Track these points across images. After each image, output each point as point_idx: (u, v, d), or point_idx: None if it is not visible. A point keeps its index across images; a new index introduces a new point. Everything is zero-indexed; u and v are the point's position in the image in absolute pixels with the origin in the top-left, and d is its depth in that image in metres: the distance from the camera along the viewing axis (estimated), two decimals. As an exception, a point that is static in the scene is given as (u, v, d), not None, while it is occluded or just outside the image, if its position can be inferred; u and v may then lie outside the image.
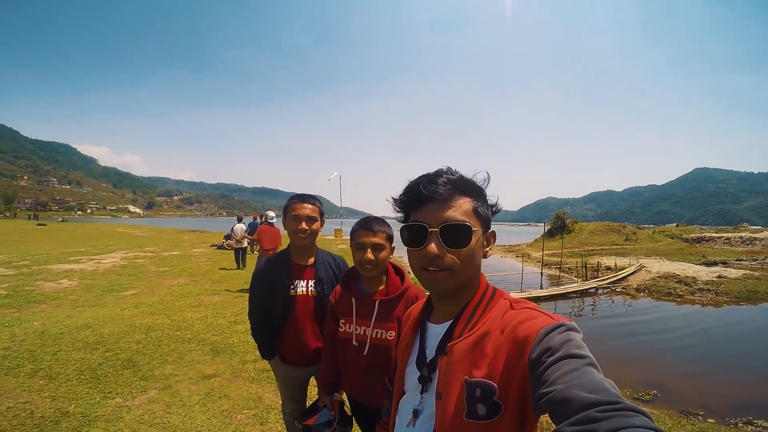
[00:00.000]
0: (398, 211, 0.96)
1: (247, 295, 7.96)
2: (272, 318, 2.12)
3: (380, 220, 1.78)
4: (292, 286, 2.08)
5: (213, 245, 19.66)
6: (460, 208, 0.85)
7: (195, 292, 8.17)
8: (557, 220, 35.78)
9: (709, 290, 14.90)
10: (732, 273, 17.39)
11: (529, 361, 0.71)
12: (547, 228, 33.93)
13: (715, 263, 22.84)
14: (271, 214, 8.45)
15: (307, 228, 2.02)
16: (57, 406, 3.22)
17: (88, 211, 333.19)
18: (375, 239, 1.71)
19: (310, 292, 2.09)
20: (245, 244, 12.12)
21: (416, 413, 0.92)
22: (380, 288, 1.81)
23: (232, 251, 17.10)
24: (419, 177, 0.91)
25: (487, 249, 0.93)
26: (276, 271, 2.11)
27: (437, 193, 0.85)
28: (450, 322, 0.90)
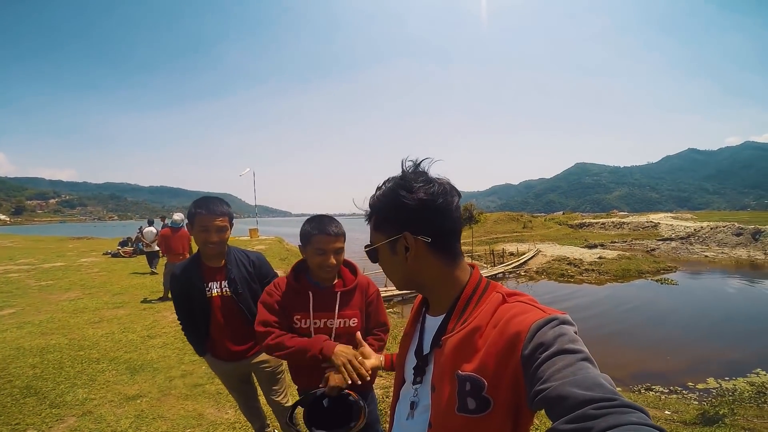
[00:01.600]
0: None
1: (155, 305, 7.29)
2: (196, 319, 2.23)
3: (336, 222, 1.78)
4: (207, 288, 2.17)
5: (106, 253, 17.45)
6: (371, 231, 0.98)
7: (92, 307, 7.21)
8: (465, 211, 38.24)
9: (593, 270, 17.18)
10: (609, 254, 20.22)
11: (522, 357, 0.70)
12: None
13: (595, 246, 26.37)
14: (178, 216, 7.69)
15: (217, 239, 2.05)
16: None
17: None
18: (336, 244, 1.73)
19: (224, 293, 2.18)
20: (155, 247, 11.08)
21: (413, 405, 0.93)
22: (336, 281, 1.84)
23: (129, 258, 15.44)
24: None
25: (408, 249, 0.89)
26: (189, 276, 2.19)
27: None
28: (444, 315, 0.91)
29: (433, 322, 0.94)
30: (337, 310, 1.77)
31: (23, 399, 3.44)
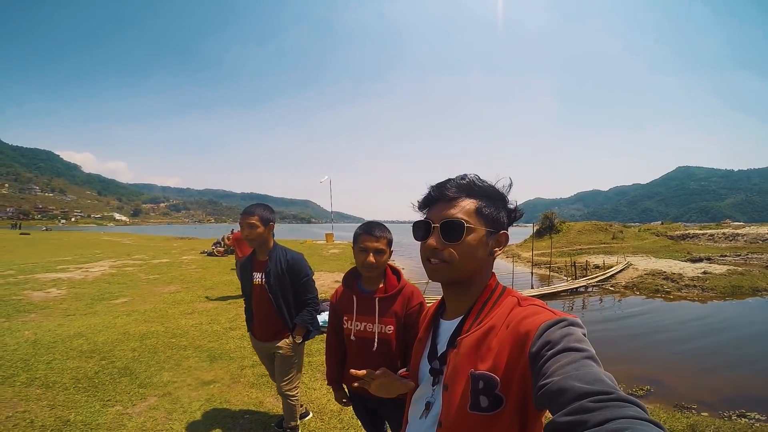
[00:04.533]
0: (418, 212, 1.06)
1: (239, 300, 7.95)
2: (248, 301, 2.78)
3: (382, 226, 1.90)
4: (253, 277, 2.68)
5: (203, 252, 19.47)
6: (462, 208, 0.94)
7: (188, 299, 8.10)
8: (545, 220, 36.14)
9: (695, 286, 15.18)
10: (716, 269, 17.73)
11: (529, 355, 0.73)
12: (535, 228, 34.27)
13: (700, 259, 23.29)
14: None
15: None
16: (57, 415, 3.19)
17: (72, 219, 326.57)
18: (377, 244, 1.84)
19: (262, 282, 2.62)
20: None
21: (428, 405, 0.96)
22: (380, 286, 1.93)
23: (221, 257, 16.99)
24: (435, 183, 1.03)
25: (496, 249, 0.96)
26: (246, 265, 2.76)
27: (443, 195, 0.96)
28: (461, 317, 0.95)
29: (448, 326, 0.99)
30: (377, 316, 1.86)
31: (119, 378, 3.97)
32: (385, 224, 1.93)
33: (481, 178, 0.98)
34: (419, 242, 0.99)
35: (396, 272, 1.98)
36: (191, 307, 7.37)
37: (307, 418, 3.26)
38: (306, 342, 2.83)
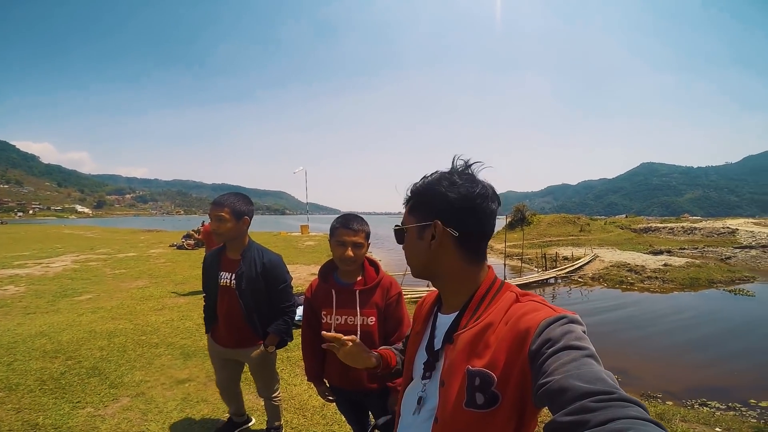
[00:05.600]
0: None
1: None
2: (210, 300, 2.48)
3: (360, 219, 1.89)
4: (220, 277, 2.39)
5: (172, 245, 18.86)
6: (406, 213, 1.02)
7: (157, 295, 7.85)
8: (517, 212, 36.98)
9: (657, 278, 15.94)
10: (676, 261, 18.65)
11: (529, 353, 0.72)
12: (507, 220, 35.03)
13: (661, 252, 24.42)
14: None
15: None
16: (24, 419, 3.03)
17: (30, 212, 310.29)
18: (355, 238, 1.83)
19: (231, 284, 2.35)
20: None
21: (420, 400, 0.95)
22: (358, 279, 1.93)
23: (192, 251, 16.52)
24: None
25: (433, 237, 0.92)
26: (212, 262, 2.47)
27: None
28: (457, 312, 0.94)
29: (445, 320, 0.98)
30: (358, 308, 1.86)
31: (88, 379, 3.80)
32: (362, 216, 1.91)
33: (427, 176, 0.99)
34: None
35: (374, 264, 1.99)
36: (161, 302, 7.14)
37: (249, 424, 3.00)
38: (284, 346, 2.66)
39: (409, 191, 1.01)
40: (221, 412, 3.26)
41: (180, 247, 17.63)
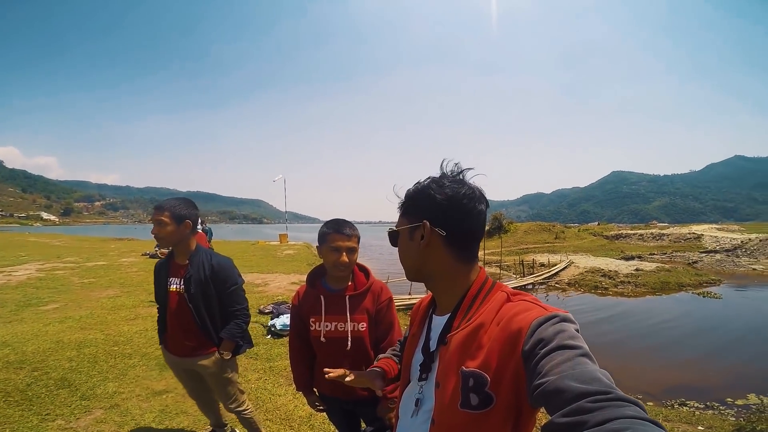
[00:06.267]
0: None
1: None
2: (162, 310, 2.43)
3: (350, 224, 1.87)
4: (169, 283, 2.34)
5: (145, 254, 18.25)
6: (399, 217, 1.04)
7: (129, 304, 7.52)
8: (495, 221, 37.63)
9: (629, 282, 16.47)
10: (647, 266, 19.32)
11: (522, 353, 0.72)
12: (486, 228, 35.62)
13: (632, 257, 25.27)
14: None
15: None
16: (-12, 433, 2.84)
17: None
18: (349, 243, 1.81)
19: (180, 290, 2.29)
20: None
21: (418, 402, 0.95)
22: (348, 284, 1.90)
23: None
24: None
25: (423, 237, 0.94)
26: (160, 269, 2.42)
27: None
28: (450, 313, 0.95)
29: (439, 321, 0.98)
30: (348, 314, 1.82)
31: (57, 390, 3.60)
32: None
33: (420, 181, 1.01)
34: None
35: (363, 269, 1.96)
36: (134, 312, 6.85)
37: None
38: (242, 353, 2.54)
39: (408, 194, 1.03)
40: (203, 424, 3.12)
41: (153, 256, 17.07)
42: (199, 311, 2.30)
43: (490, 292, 0.91)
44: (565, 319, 0.73)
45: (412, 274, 1.02)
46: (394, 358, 1.34)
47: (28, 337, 5.16)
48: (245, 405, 2.53)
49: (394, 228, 1.05)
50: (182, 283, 2.28)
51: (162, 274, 2.39)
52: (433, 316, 1.03)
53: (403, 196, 1.04)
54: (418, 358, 1.01)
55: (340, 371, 1.25)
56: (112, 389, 3.68)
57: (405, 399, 1.04)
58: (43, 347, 4.75)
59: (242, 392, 2.56)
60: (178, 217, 2.23)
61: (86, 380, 3.85)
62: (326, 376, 1.24)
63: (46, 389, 3.62)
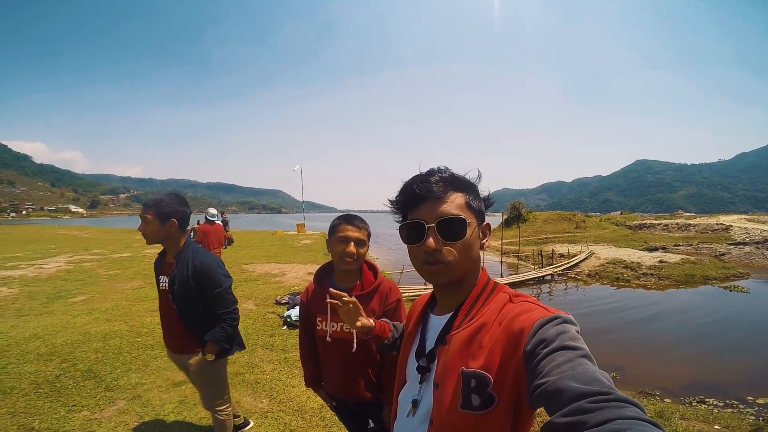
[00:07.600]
0: (396, 213, 1.00)
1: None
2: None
3: (361, 218, 1.84)
4: (160, 281, 2.36)
5: (168, 245, 18.76)
6: (454, 203, 0.90)
7: (152, 296, 7.75)
8: (513, 210, 37.00)
9: (652, 274, 16.03)
10: (671, 258, 18.74)
11: (524, 354, 0.72)
12: (503, 218, 35.12)
13: (656, 249, 24.56)
14: (212, 211, 7.83)
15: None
16: (20, 422, 2.99)
17: (23, 212, 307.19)
18: (358, 234, 1.77)
19: (166, 287, 2.30)
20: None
21: (415, 403, 0.94)
22: (356, 283, 1.85)
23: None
24: (412, 178, 0.96)
25: (484, 241, 0.96)
26: (156, 267, 2.45)
27: (431, 191, 0.90)
28: (451, 313, 0.94)
29: (437, 321, 0.97)
30: None
31: (83, 382, 3.77)
32: (360, 216, 1.88)
33: (452, 170, 0.97)
34: (410, 245, 0.94)
35: (372, 268, 1.92)
36: (156, 303, 7.00)
37: (247, 428, 2.99)
38: (231, 354, 2.48)
39: (457, 179, 0.95)
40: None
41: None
42: (183, 310, 2.28)
43: (493, 293, 0.91)
44: (567, 321, 0.74)
45: (459, 273, 0.91)
46: (390, 325, 1.41)
47: (58, 329, 5.39)
48: (224, 407, 2.50)
49: (463, 217, 0.89)
50: (168, 281, 2.28)
51: (155, 270, 2.44)
52: (431, 315, 1.02)
53: (450, 175, 0.95)
54: (413, 359, 1.00)
55: (343, 294, 1.38)
56: (135, 380, 3.83)
57: (402, 399, 1.04)
58: (72, 339, 4.95)
59: (225, 394, 2.53)
60: (162, 215, 2.20)
61: (111, 371, 4.01)
62: (330, 291, 1.41)
63: (73, 381, 3.78)
